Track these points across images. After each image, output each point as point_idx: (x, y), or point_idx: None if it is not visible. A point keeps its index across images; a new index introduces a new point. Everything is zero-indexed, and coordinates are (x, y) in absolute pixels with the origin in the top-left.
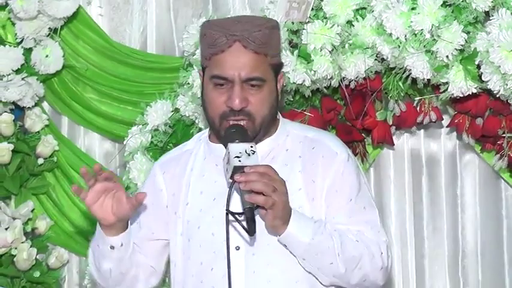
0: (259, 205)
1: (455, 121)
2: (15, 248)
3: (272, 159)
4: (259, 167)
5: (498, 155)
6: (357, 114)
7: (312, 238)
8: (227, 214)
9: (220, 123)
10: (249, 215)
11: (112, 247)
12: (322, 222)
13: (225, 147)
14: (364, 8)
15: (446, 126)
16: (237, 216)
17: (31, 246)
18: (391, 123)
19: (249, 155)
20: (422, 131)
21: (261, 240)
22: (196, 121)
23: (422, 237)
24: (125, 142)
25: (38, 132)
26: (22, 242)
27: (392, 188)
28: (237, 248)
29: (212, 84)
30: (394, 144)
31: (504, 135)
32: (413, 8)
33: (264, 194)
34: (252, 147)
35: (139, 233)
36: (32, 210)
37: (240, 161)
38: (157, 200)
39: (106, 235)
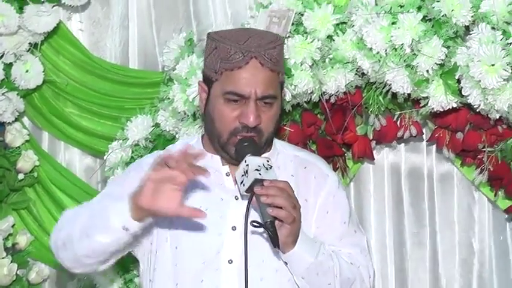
0: (279, 220)
1: (436, 135)
2: None
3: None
4: (278, 182)
5: (478, 170)
6: (337, 128)
7: (316, 258)
8: (245, 224)
9: (228, 138)
10: (272, 228)
11: (126, 229)
12: (321, 242)
13: (236, 156)
14: (345, 23)
15: (427, 141)
16: (264, 226)
17: (12, 262)
18: (371, 137)
19: (267, 169)
20: (402, 145)
21: (256, 256)
22: (177, 136)
23: (403, 252)
24: (105, 157)
25: (19, 147)
26: (2, 258)
27: (373, 202)
28: (230, 262)
29: (223, 99)
30: (374, 159)
31: (484, 149)
32: (393, 23)
33: (284, 209)
34: (268, 161)
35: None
36: (13, 226)
37: (260, 174)
38: None
39: (130, 216)
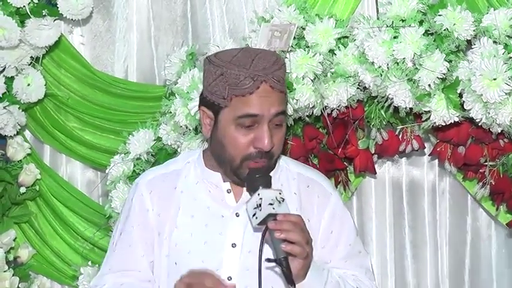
0: (292, 255)
1: (438, 149)
2: None
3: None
4: (291, 216)
5: (480, 184)
6: (339, 142)
7: (324, 286)
8: (259, 261)
9: (241, 164)
10: (286, 264)
11: None
12: (328, 270)
13: (247, 187)
14: (346, 37)
15: (429, 155)
16: (279, 263)
17: (13, 275)
18: (373, 151)
19: (279, 202)
20: (404, 159)
21: (254, 273)
22: (179, 150)
23: (404, 266)
24: (107, 171)
25: (20, 160)
26: (4, 271)
27: (374, 216)
28: (229, 279)
29: (235, 125)
30: (376, 173)
31: (486, 163)
32: (395, 37)
33: (297, 245)
34: (280, 194)
35: (133, 254)
36: (14, 239)
37: (273, 208)
38: (145, 221)
39: None
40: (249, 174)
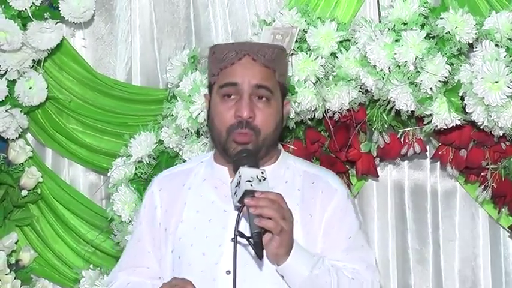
0: (267, 230)
1: (439, 153)
2: None
3: (271, 189)
4: (270, 194)
5: (482, 187)
6: (340, 145)
7: (311, 271)
8: (236, 236)
9: (227, 137)
10: (257, 239)
11: None
12: (321, 257)
13: (234, 167)
14: (348, 40)
15: (430, 158)
16: (248, 238)
17: (15, 278)
18: (375, 154)
19: (260, 180)
20: (406, 162)
21: (253, 268)
22: (180, 153)
23: (406, 269)
24: (109, 174)
25: (22, 164)
26: (6, 274)
27: (376, 218)
28: (228, 273)
29: (220, 97)
30: (378, 176)
31: (488, 166)
32: (397, 40)
33: (273, 220)
34: (263, 173)
35: (142, 249)
36: (16, 242)
37: (251, 185)
38: (153, 218)
39: None
40: (236, 155)
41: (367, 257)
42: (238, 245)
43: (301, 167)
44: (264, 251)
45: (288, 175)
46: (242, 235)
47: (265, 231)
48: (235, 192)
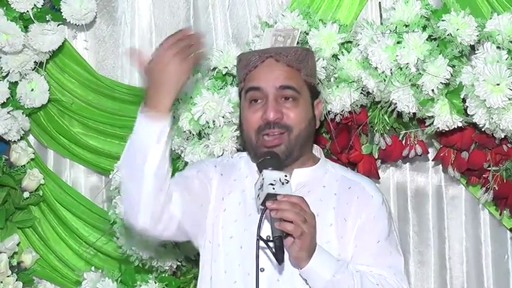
0: (288, 233)
1: (441, 155)
2: (1, 282)
3: (308, 192)
4: (292, 197)
5: (484, 189)
6: (342, 147)
7: (333, 275)
8: (257, 240)
9: (257, 140)
10: (279, 243)
11: (158, 140)
12: (345, 261)
13: (258, 169)
14: (350, 42)
15: (432, 160)
16: (268, 243)
17: (17, 280)
18: (376, 156)
19: (282, 183)
20: (407, 164)
21: (287, 267)
22: (182, 155)
23: (408, 271)
24: (110, 176)
25: (24, 165)
26: (8, 276)
27: None
28: (262, 270)
29: (248, 102)
30: (379, 178)
31: (489, 168)
32: (398, 42)
33: (293, 223)
34: (286, 176)
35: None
36: (18, 244)
37: (274, 188)
38: (205, 186)
39: (152, 121)
40: (260, 157)
41: (396, 263)
42: (270, 244)
43: (340, 172)
44: (287, 254)
45: (326, 180)
46: (263, 239)
47: (287, 235)
48: (258, 195)
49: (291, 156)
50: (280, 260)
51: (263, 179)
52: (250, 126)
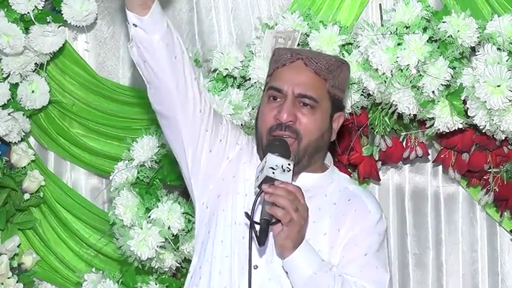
0: (277, 219)
1: (441, 156)
2: (2, 284)
3: (309, 198)
4: (289, 185)
5: (484, 190)
6: (343, 149)
7: (315, 272)
8: (248, 218)
9: (267, 140)
10: (264, 225)
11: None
12: (330, 264)
13: (263, 154)
14: (350, 44)
15: (432, 161)
16: (254, 223)
17: (17, 282)
18: (377, 158)
19: (284, 170)
20: (407, 166)
21: (278, 265)
22: None
23: (406, 273)
24: (111, 177)
25: (24, 167)
26: (8, 278)
27: None
28: (255, 267)
29: (267, 98)
30: (380, 179)
31: (490, 170)
32: (399, 44)
33: (284, 210)
34: (289, 164)
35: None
36: (18, 246)
37: (273, 173)
38: (231, 145)
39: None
40: (269, 141)
41: (380, 279)
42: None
43: (344, 183)
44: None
45: (330, 189)
46: (250, 218)
47: (277, 221)
48: (257, 177)
49: (299, 164)
50: (261, 242)
51: (265, 162)
52: (263, 123)
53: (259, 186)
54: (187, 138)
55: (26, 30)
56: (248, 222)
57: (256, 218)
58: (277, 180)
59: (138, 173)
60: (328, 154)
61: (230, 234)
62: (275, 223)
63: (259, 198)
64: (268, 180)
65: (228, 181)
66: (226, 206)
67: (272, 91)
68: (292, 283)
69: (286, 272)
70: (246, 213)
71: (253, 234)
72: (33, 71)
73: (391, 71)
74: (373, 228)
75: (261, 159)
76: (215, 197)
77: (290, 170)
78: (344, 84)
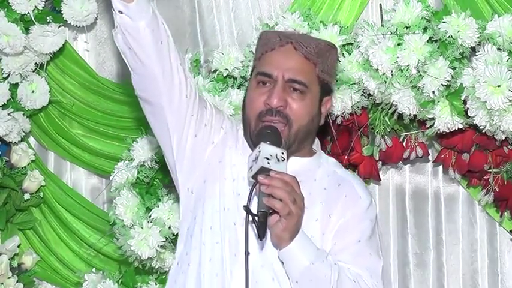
0: (275, 211)
1: (442, 156)
2: (2, 284)
3: (299, 182)
4: (285, 175)
5: (484, 190)
6: (343, 149)
7: (312, 263)
8: (247, 212)
9: (256, 125)
10: (263, 218)
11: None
12: (325, 252)
13: (254, 142)
14: (351, 44)
15: (433, 162)
16: (253, 216)
17: (17, 282)
18: (377, 158)
19: (278, 160)
20: (408, 166)
21: (271, 254)
22: None
23: (407, 273)
24: (111, 177)
25: (24, 167)
26: (8, 278)
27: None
28: (247, 254)
29: (255, 82)
30: (380, 180)
31: (490, 170)
32: (399, 44)
33: (282, 202)
34: (283, 153)
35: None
36: (19, 246)
37: (268, 163)
38: (215, 129)
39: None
40: (260, 130)
41: (373, 266)
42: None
43: (332, 168)
44: (269, 233)
45: (319, 174)
46: (249, 211)
47: (273, 212)
48: (251, 167)
49: (289, 149)
50: (261, 236)
51: (259, 151)
52: (252, 108)
53: (254, 177)
54: (172, 124)
55: (26, 30)
56: (239, 207)
57: (252, 209)
58: (273, 170)
59: (139, 173)
60: (316, 139)
61: (219, 220)
62: (272, 214)
63: (254, 190)
64: (264, 170)
65: (214, 166)
66: (214, 192)
67: (261, 76)
68: (288, 273)
69: (282, 262)
70: (245, 207)
71: (250, 225)
72: (33, 71)
73: (392, 71)
74: (364, 214)
75: (249, 144)
76: (201, 182)
77: (284, 159)
78: (332, 69)
